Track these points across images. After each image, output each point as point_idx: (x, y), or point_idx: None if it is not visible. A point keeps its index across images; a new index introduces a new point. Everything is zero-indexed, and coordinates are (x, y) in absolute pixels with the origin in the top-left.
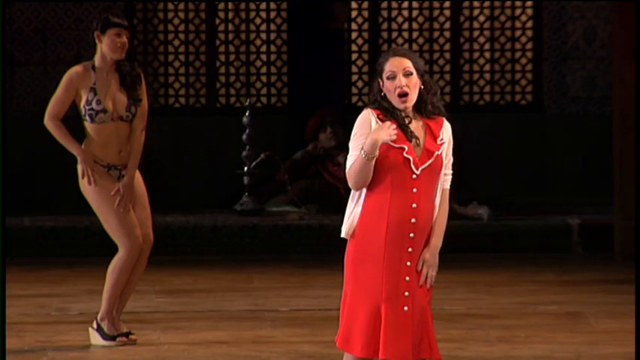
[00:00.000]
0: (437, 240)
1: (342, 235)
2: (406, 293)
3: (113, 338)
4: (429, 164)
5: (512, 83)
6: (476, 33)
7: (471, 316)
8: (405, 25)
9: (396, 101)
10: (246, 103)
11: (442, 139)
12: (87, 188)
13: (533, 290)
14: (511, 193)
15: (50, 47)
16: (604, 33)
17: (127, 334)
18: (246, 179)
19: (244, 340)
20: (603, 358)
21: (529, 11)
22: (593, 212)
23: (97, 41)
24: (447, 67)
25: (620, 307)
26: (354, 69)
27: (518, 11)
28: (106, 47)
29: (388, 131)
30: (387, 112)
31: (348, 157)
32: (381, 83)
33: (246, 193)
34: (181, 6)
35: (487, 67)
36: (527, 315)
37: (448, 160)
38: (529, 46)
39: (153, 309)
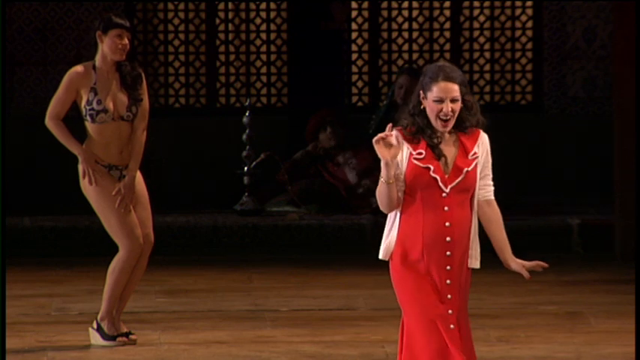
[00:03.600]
0: (509, 250)
1: (380, 256)
2: (450, 311)
3: (113, 338)
4: (459, 181)
5: (512, 83)
6: (476, 33)
7: (471, 316)
8: (405, 25)
9: (436, 123)
10: (246, 103)
11: (475, 153)
12: (88, 188)
13: (533, 290)
14: (511, 193)
15: (50, 47)
16: (604, 33)
17: (127, 334)
18: (246, 179)
19: (244, 340)
20: (603, 358)
21: (529, 11)
22: (593, 212)
23: (98, 41)
24: None
25: (620, 307)
26: (354, 69)
27: (518, 11)
28: (107, 48)
29: (391, 152)
30: (418, 129)
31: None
32: (421, 95)
33: (246, 193)
34: (181, 6)
35: (487, 67)
36: (527, 315)
37: (486, 172)
38: (529, 46)
39: (153, 309)
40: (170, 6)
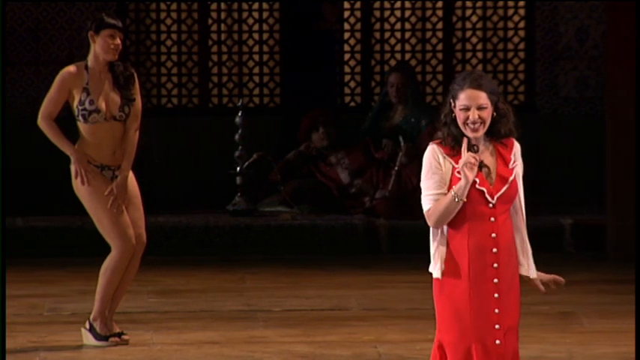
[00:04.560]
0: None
1: (435, 276)
2: (497, 326)
3: (105, 338)
4: (505, 191)
5: (505, 83)
6: (468, 33)
7: None
8: (398, 26)
9: (465, 130)
10: (239, 104)
11: (514, 162)
12: (80, 188)
13: (526, 290)
14: None
15: (42, 47)
16: (596, 33)
17: (119, 335)
18: (238, 179)
19: (237, 340)
20: (595, 358)
21: (521, 11)
22: (586, 212)
23: (90, 41)
24: (440, 68)
25: (613, 307)
26: (347, 69)
27: (510, 11)
28: (99, 48)
29: (474, 173)
30: (455, 139)
31: (423, 197)
32: (452, 104)
33: (239, 194)
34: (174, 6)
35: (479, 68)
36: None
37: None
38: (521, 46)
39: (145, 309)
40: (162, 6)
